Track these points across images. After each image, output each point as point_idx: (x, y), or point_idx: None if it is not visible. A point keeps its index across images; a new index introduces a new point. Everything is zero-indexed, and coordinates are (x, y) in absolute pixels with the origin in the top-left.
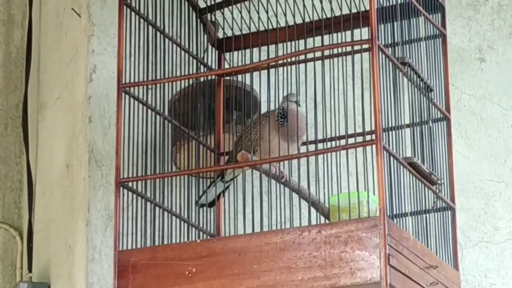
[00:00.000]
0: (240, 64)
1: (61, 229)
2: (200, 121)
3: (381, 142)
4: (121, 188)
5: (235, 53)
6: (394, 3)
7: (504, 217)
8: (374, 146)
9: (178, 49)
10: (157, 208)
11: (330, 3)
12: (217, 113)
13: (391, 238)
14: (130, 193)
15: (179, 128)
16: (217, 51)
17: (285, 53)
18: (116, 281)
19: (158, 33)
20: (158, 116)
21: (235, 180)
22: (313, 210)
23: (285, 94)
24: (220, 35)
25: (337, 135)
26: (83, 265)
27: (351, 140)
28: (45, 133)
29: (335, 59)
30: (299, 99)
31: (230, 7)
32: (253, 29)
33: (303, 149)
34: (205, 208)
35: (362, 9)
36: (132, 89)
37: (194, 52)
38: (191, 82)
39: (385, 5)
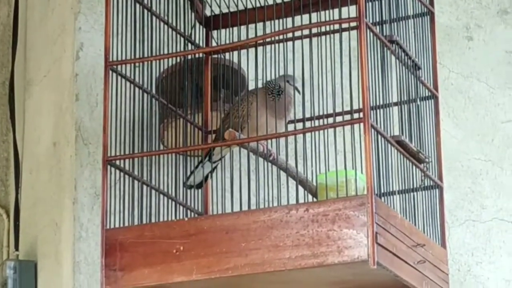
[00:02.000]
0: (227, 42)
1: (48, 207)
2: (188, 99)
3: (368, 120)
4: (109, 166)
5: (223, 31)
6: None
7: (491, 196)
8: (361, 124)
9: (166, 27)
10: (144, 186)
11: None
12: (205, 91)
13: (378, 217)
14: (117, 171)
15: (167, 106)
16: (204, 29)
17: (272, 31)
18: (103, 259)
19: (145, 11)
20: (145, 94)
21: (223, 159)
22: (300, 188)
23: (273, 72)
24: (208, 12)
25: (325, 113)
26: (70, 243)
27: (338, 119)
28: (32, 110)
29: (323, 37)
30: (296, 84)
31: None
32: (240, 7)
33: (290, 127)
34: (193, 189)
35: None
36: (119, 67)
37: (182, 30)
38: (178, 60)
39: None
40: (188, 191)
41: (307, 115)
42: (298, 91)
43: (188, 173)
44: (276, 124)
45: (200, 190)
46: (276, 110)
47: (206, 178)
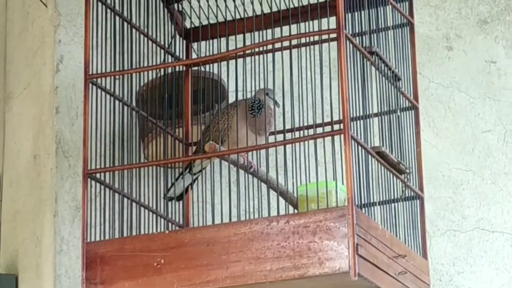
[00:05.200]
0: (207, 54)
1: (29, 220)
2: (168, 113)
3: (349, 131)
4: (89, 180)
5: (203, 43)
6: None
7: (472, 205)
8: (342, 135)
9: (146, 39)
10: (125, 199)
11: None
12: (185, 104)
13: (359, 228)
14: (98, 184)
15: (147, 119)
16: (184, 41)
17: (252, 42)
18: (84, 272)
19: (125, 23)
20: (125, 107)
21: (203, 170)
22: (281, 200)
23: (253, 83)
24: (188, 24)
25: (305, 124)
26: (50, 256)
27: (319, 130)
28: (12, 123)
29: (303, 48)
30: (275, 97)
31: None
32: (220, 19)
33: (271, 139)
34: (173, 201)
35: None
36: (99, 79)
37: (162, 42)
38: (158, 72)
39: None
40: (169, 203)
41: (288, 126)
42: (277, 105)
43: (169, 185)
44: (257, 137)
45: (181, 202)
46: (256, 126)
47: (186, 190)
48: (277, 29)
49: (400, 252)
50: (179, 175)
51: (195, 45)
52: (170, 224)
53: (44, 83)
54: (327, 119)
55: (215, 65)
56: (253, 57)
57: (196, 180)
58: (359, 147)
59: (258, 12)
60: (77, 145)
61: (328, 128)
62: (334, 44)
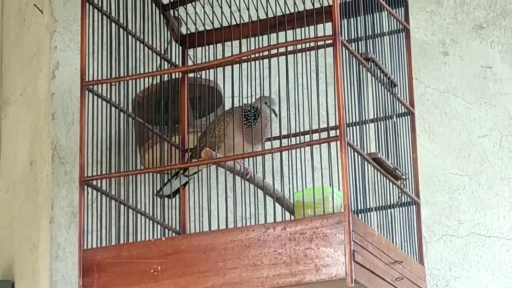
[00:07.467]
0: (204, 60)
1: (25, 226)
2: (165, 119)
3: (345, 138)
4: (85, 186)
5: (199, 49)
6: None
7: (468, 210)
8: (338, 141)
9: (142, 45)
10: (121, 206)
11: None
12: (182, 110)
13: (356, 234)
14: (94, 191)
15: (144, 125)
16: (180, 47)
17: (248, 48)
18: (81, 279)
19: (121, 30)
20: (122, 113)
21: (200, 177)
22: (278, 206)
23: (249, 89)
24: (184, 31)
25: (301, 130)
26: (47, 262)
27: (315, 136)
28: (8, 129)
29: (299, 54)
30: (275, 106)
31: (193, 3)
32: (216, 25)
33: (267, 145)
34: (166, 200)
35: (325, 4)
36: (95, 86)
37: (158, 49)
38: (154, 79)
39: (348, 0)
40: (166, 210)
41: (284, 132)
42: (276, 114)
43: (162, 185)
44: (252, 146)
45: (177, 209)
46: (252, 136)
47: (178, 190)
48: (273, 35)
49: (397, 258)
50: (174, 174)
51: (191, 51)
52: (167, 231)
53: (40, 89)
54: (323, 125)
55: (211, 71)
56: (249, 63)
57: (193, 187)
58: (355, 153)
59: (254, 18)
60: (73, 152)
61: (324, 134)
62: (330, 50)
